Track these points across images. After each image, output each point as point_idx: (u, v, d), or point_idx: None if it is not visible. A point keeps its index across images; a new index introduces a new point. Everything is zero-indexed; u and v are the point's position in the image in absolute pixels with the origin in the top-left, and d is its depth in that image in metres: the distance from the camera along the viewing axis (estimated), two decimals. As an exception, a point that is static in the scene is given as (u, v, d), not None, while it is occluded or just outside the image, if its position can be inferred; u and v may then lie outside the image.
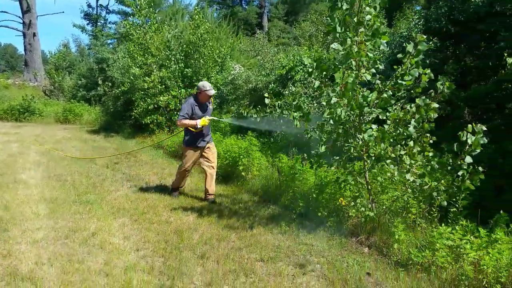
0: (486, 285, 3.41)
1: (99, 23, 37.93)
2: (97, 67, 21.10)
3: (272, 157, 7.58)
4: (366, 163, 4.72)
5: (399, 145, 4.46)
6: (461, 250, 3.78)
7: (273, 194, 6.40)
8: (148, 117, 12.50)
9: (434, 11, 6.79)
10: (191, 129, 5.87)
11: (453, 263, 3.74)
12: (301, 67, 9.29)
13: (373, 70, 4.34)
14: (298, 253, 4.33)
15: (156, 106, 12.51)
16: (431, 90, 4.47)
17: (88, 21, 38.32)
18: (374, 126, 4.46)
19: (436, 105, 4.41)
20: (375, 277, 3.78)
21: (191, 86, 12.79)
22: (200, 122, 5.81)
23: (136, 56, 12.61)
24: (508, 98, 5.82)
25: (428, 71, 4.27)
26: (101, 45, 24.05)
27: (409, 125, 4.30)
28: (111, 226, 5.14)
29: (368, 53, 4.15)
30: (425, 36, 4.10)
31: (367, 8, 4.05)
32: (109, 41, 30.79)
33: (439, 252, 3.84)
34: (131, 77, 12.85)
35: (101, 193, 6.69)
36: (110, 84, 17.22)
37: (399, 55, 4.43)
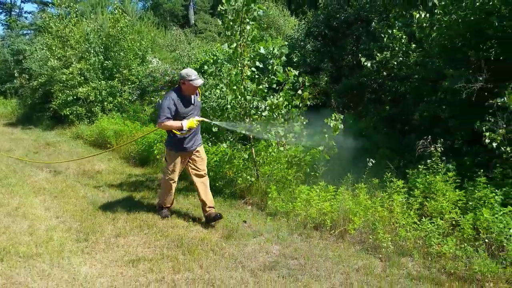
0: (323, 222, 4.78)
1: (13, 13, 35.74)
2: (12, 58, 20.40)
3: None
4: (251, 141, 5.97)
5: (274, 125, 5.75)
6: (312, 201, 5.15)
7: (183, 171, 7.43)
8: (68, 109, 12.80)
9: (314, 18, 8.26)
10: (175, 132, 4.72)
11: (305, 210, 5.09)
12: (213, 61, 10.38)
13: (254, 68, 5.58)
14: (194, 212, 5.44)
15: (75, 97, 12.84)
16: (299, 84, 5.82)
17: (1, 10, 35.91)
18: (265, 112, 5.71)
19: (308, 94, 5.77)
20: (249, 223, 5.02)
21: (112, 78, 13.30)
22: (186, 124, 4.61)
23: (54, 48, 12.81)
24: (365, 90, 7.43)
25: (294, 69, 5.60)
26: (17, 36, 23.09)
27: (279, 111, 5.59)
28: (32, 202, 5.85)
29: (250, 54, 5.37)
30: (286, 43, 5.39)
31: (248, 20, 5.24)
32: (25, 32, 29.34)
33: (296, 203, 5.18)
34: (49, 69, 13.02)
35: (22, 177, 7.25)
36: (27, 76, 16.95)
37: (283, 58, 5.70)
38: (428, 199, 4.83)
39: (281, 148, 5.72)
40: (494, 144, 5.05)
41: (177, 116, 4.68)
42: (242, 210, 5.55)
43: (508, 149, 5.00)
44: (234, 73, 5.42)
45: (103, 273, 3.63)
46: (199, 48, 14.48)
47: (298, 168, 6.13)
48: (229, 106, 5.66)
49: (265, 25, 14.78)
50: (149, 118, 11.10)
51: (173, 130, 4.70)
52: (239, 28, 5.34)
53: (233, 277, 3.55)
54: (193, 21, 43.82)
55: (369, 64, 6.67)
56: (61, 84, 12.93)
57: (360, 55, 6.91)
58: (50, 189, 6.48)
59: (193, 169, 5.09)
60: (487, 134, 5.07)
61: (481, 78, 5.29)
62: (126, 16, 13.57)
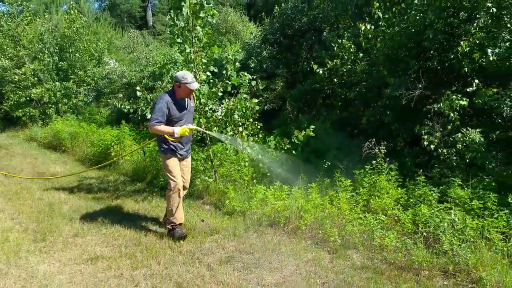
0: (277, 220, 5.05)
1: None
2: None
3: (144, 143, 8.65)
4: (209, 144, 6.16)
5: (229, 128, 5.98)
6: (268, 200, 5.42)
7: (141, 174, 7.50)
8: (20, 110, 12.38)
9: (270, 26, 8.60)
10: (167, 137, 4.49)
11: (261, 209, 5.35)
12: (172, 64, 10.47)
13: (209, 73, 5.78)
14: (153, 212, 5.55)
15: (28, 99, 12.44)
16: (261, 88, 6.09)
17: None
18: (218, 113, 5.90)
19: (256, 100, 6.02)
20: (207, 222, 5.20)
21: (67, 79, 13.00)
22: (178, 132, 4.38)
23: (6, 48, 12.36)
24: (318, 95, 7.84)
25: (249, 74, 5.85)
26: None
27: (234, 114, 5.82)
28: (-16, 205, 5.71)
29: (203, 59, 5.56)
30: (240, 49, 5.64)
31: (198, 27, 5.43)
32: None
33: (253, 202, 5.42)
34: (0, 70, 12.54)
35: (-29, 181, 7.01)
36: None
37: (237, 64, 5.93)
38: (373, 196, 5.24)
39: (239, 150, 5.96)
40: (432, 146, 5.58)
41: (170, 120, 4.43)
42: (200, 210, 5.72)
43: (445, 151, 5.53)
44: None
45: (62, 271, 3.69)
46: (158, 50, 14.47)
47: (255, 169, 6.40)
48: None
49: (224, 30, 15.02)
50: (105, 120, 10.99)
51: (166, 135, 4.45)
52: (190, 34, 5.52)
53: (189, 271, 3.72)
54: (151, 23, 43.29)
55: (321, 71, 7.07)
56: (12, 85, 12.49)
57: (312, 62, 7.29)
58: (4, 191, 6.34)
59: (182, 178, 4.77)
60: (426, 137, 5.59)
61: (420, 86, 5.81)
62: (82, 17, 13.33)
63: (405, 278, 3.64)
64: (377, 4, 6.47)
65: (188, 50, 5.44)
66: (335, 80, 7.44)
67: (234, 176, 6.40)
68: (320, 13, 8.58)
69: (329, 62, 7.15)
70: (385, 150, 5.81)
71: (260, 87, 5.99)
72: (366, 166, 5.65)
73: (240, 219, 5.27)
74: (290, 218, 5.04)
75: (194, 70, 5.63)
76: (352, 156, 6.73)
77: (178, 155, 4.64)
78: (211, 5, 5.32)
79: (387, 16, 6.22)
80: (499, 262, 3.72)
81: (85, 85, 13.17)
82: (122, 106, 6.39)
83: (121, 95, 10.86)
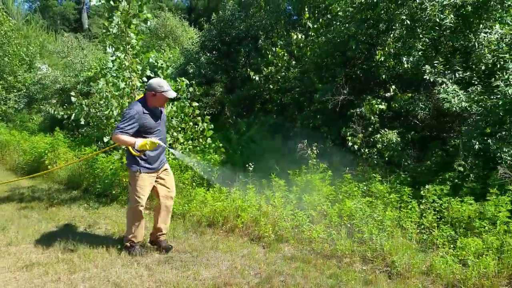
0: (216, 220, 5.26)
1: None
2: None
3: (79, 150, 8.46)
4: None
5: (169, 135, 6.11)
6: (207, 202, 5.61)
7: (76, 181, 7.35)
8: None
9: (208, 33, 8.84)
10: (130, 149, 4.08)
11: (200, 210, 5.53)
12: (107, 70, 10.30)
13: (145, 78, 5.88)
14: (89, 218, 5.53)
15: None
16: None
17: None
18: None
19: (196, 104, 6.22)
20: (146, 225, 5.28)
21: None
22: (138, 144, 3.92)
23: None
24: (256, 100, 8.19)
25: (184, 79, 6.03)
26: None
27: (172, 119, 5.98)
28: None
29: (138, 66, 5.65)
30: (171, 55, 5.82)
31: (132, 34, 5.53)
32: None
33: (192, 204, 5.59)
34: None
35: None
36: None
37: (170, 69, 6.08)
38: (305, 194, 5.63)
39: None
40: (356, 147, 6.11)
41: (146, 131, 4.06)
42: (139, 215, 5.77)
43: (366, 150, 6.09)
44: (121, 85, 5.67)
45: (-6, 280, 3.63)
46: (93, 54, 14.12)
47: (194, 172, 6.56)
48: (117, 118, 5.84)
49: (163, 35, 14.99)
50: (38, 128, 10.56)
51: (129, 148, 4.08)
52: (122, 42, 5.60)
53: (128, 272, 3.82)
54: (87, 26, 41.73)
55: (257, 78, 7.43)
56: None
57: (249, 69, 7.63)
58: None
59: (164, 189, 4.38)
60: (350, 138, 6.12)
61: (345, 92, 6.35)
62: (11, 20, 12.67)
63: (329, 265, 4.02)
64: (307, 15, 6.95)
65: (121, 57, 5.52)
66: (271, 86, 7.83)
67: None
68: (257, 21, 8.96)
69: (265, 69, 7.52)
70: (317, 151, 6.26)
71: (197, 93, 6.19)
72: (301, 167, 6.05)
73: (180, 221, 5.42)
74: (228, 217, 5.27)
75: (129, 77, 5.71)
76: (287, 158, 7.13)
77: (153, 169, 4.20)
78: (144, 12, 5.45)
79: (315, 26, 6.71)
80: (410, 247, 4.21)
81: (15, 91, 12.51)
82: (56, 112, 6.29)
83: (55, 101, 10.49)
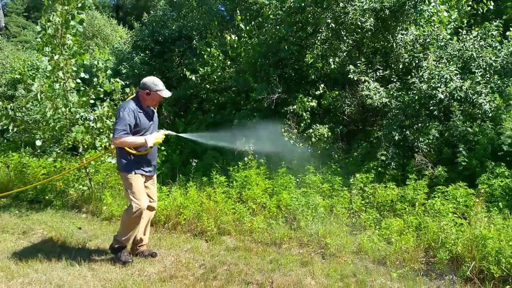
0: (157, 219, 5.31)
1: None
2: None
3: (6, 156, 7.97)
4: (82, 152, 6.09)
5: (104, 135, 6.02)
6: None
7: (4, 189, 6.93)
8: None
9: (140, 32, 8.76)
10: (129, 150, 3.87)
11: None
12: (34, 71, 9.78)
13: (79, 80, 5.75)
14: (23, 225, 5.30)
15: None
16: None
17: None
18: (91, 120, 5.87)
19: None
20: (84, 229, 5.19)
21: None
22: (152, 140, 3.85)
23: None
24: (193, 100, 8.29)
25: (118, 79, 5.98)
26: None
27: (106, 120, 5.90)
28: None
29: (72, 66, 5.53)
30: (111, 58, 5.77)
31: (68, 35, 5.40)
32: None
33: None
34: None
35: None
36: None
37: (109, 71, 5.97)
38: (245, 189, 5.87)
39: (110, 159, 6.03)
40: (291, 142, 6.48)
41: (137, 131, 3.85)
42: (77, 219, 5.65)
43: (301, 145, 6.48)
44: (56, 86, 5.51)
45: None
46: (14, 55, 13.25)
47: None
48: (51, 120, 5.65)
49: (91, 34, 14.45)
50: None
51: (127, 149, 3.83)
52: (59, 43, 5.45)
53: (71, 274, 3.78)
54: (3, 24, 38.55)
55: (193, 78, 7.53)
56: None
57: (185, 69, 7.71)
58: None
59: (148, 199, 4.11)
60: (285, 134, 6.47)
61: (279, 91, 6.69)
62: None
63: (269, 252, 4.29)
64: (240, 17, 7.20)
65: (56, 58, 5.36)
66: (208, 86, 7.98)
67: (111, 183, 6.43)
68: (190, 21, 9.04)
69: (201, 69, 7.65)
70: (254, 148, 6.53)
71: (134, 94, 6.14)
72: (239, 163, 6.27)
73: (119, 223, 5.38)
74: (170, 215, 5.35)
75: (64, 78, 5.56)
76: (227, 155, 7.33)
77: (145, 173, 4.00)
78: (82, 13, 5.35)
79: (248, 28, 6.98)
80: (341, 230, 4.62)
81: None
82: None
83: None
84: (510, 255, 3.58)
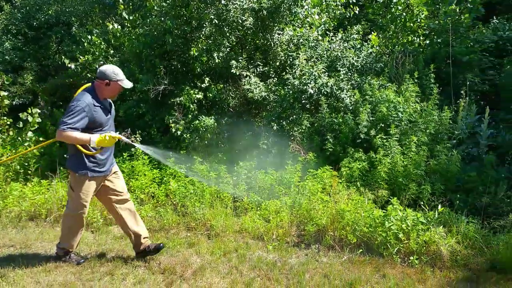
0: (38, 213, 5.09)
1: None
2: None
3: None
4: None
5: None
6: (26, 196, 5.33)
7: None
8: None
9: (10, 16, 8.01)
10: (81, 148, 3.48)
11: (19, 206, 5.22)
12: None
13: None
14: None
15: None
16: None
17: None
18: None
19: (5, 93, 5.73)
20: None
21: None
22: (96, 140, 3.40)
23: None
24: (73, 89, 7.90)
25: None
26: None
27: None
28: None
29: None
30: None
31: None
32: None
33: (8, 200, 5.24)
34: None
35: None
36: None
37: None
38: (132, 179, 5.91)
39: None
40: (179, 132, 6.69)
41: (94, 127, 3.48)
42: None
43: (188, 135, 6.73)
44: None
45: None
46: None
47: (6, 168, 6.06)
48: None
49: None
50: None
51: (78, 146, 3.46)
52: None
53: None
54: None
55: (73, 66, 7.19)
56: None
57: (64, 56, 7.32)
58: None
59: (113, 195, 3.81)
60: (173, 125, 6.65)
61: (165, 82, 6.82)
62: None
63: (158, 237, 4.52)
64: (122, 6, 7.09)
65: None
66: (89, 75, 7.68)
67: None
68: (69, 7, 8.52)
69: (81, 57, 7.33)
70: (141, 138, 6.57)
71: (6, 82, 5.72)
72: (124, 154, 6.27)
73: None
74: (52, 209, 5.19)
75: None
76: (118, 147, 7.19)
77: (102, 173, 3.66)
78: None
79: (132, 18, 6.93)
80: (226, 213, 5.04)
81: None
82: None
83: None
84: (363, 224, 4.39)
